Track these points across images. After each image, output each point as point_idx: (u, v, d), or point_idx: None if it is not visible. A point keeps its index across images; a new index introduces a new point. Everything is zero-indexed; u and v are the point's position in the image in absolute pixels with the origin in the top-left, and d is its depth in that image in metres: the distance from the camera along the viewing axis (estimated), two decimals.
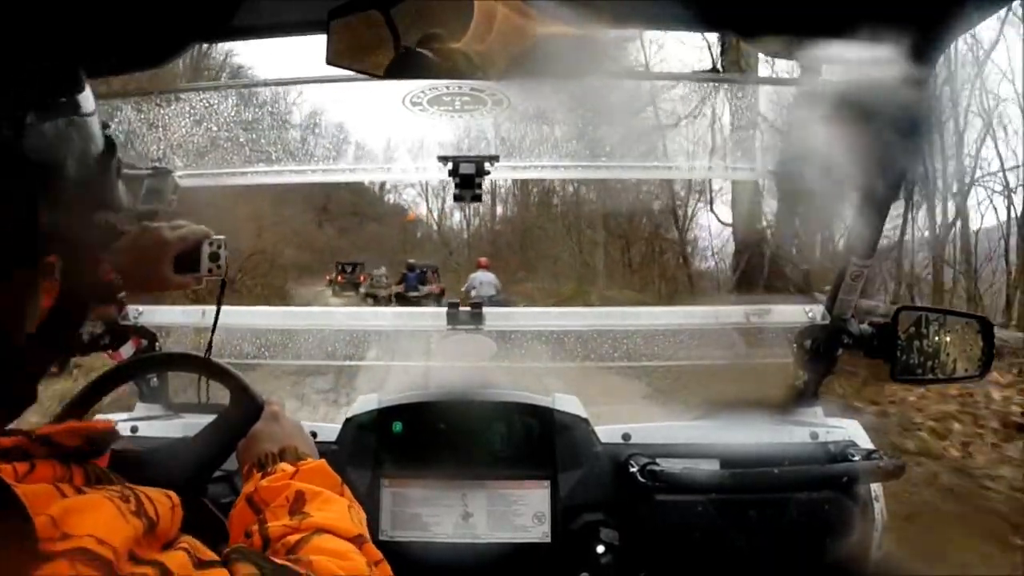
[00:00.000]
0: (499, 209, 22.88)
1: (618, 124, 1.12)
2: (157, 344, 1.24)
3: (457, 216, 24.07)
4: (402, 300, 14.72)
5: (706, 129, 1.16)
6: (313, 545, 0.54)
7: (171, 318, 1.27)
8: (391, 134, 1.09)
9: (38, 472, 0.43)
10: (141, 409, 1.23)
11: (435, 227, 24.28)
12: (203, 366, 0.92)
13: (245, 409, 0.81)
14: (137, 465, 0.76)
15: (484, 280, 10.50)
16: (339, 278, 18.02)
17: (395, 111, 1.02)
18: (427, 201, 24.08)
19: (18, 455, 0.43)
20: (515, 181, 17.62)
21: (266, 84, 1.02)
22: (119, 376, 0.97)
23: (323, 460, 0.69)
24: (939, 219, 9.59)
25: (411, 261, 15.67)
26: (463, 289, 11.29)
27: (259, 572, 0.44)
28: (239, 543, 0.54)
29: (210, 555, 0.44)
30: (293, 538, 0.55)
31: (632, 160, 1.25)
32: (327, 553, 0.53)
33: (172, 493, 0.47)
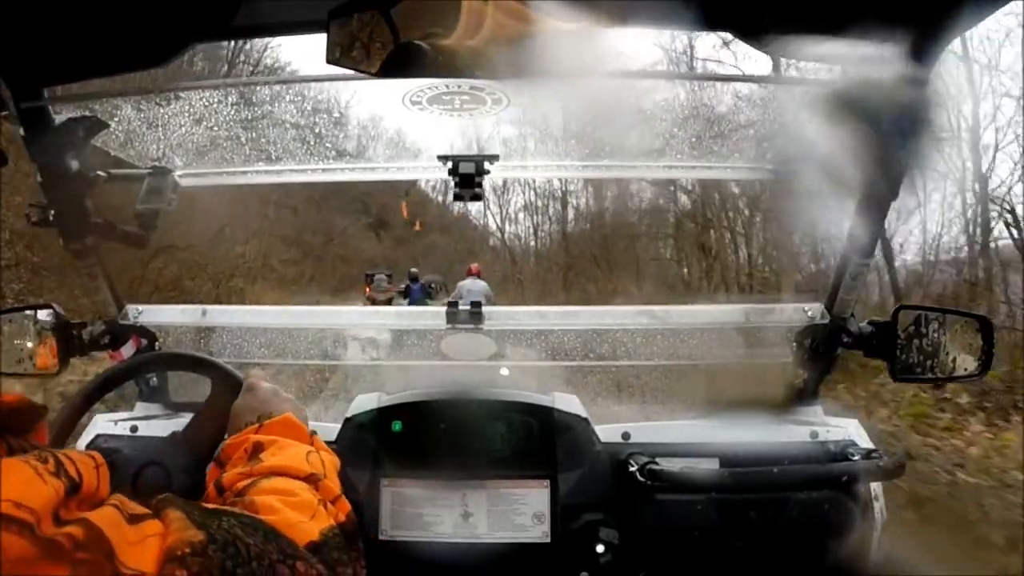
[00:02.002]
0: (570, 213, 19.98)
1: (618, 123, 1.12)
2: (157, 344, 1.24)
3: (521, 226, 21.78)
4: None
5: (706, 129, 1.15)
6: (261, 487, 0.54)
7: (171, 318, 1.27)
8: (391, 133, 1.09)
9: None
10: (141, 409, 1.23)
11: (499, 234, 22.04)
12: (174, 360, 0.93)
13: (226, 390, 0.81)
14: (136, 464, 0.76)
15: (474, 289, 9.59)
16: (366, 289, 16.83)
17: (395, 110, 1.02)
18: (489, 208, 21.80)
19: None
20: (586, 182, 16.30)
21: (266, 83, 1.02)
22: (108, 382, 0.96)
23: (289, 414, 0.69)
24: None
25: (414, 270, 14.03)
26: (449, 299, 10.83)
27: (185, 516, 0.44)
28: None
29: (140, 509, 0.43)
30: (243, 483, 0.55)
31: (632, 160, 1.25)
32: (274, 492, 0.53)
33: (96, 454, 0.46)
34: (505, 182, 19.48)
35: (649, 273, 14.20)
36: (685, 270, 14.34)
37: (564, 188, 19.22)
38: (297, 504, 0.52)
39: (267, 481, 0.55)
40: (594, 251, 16.31)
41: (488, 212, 21.48)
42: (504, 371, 1.32)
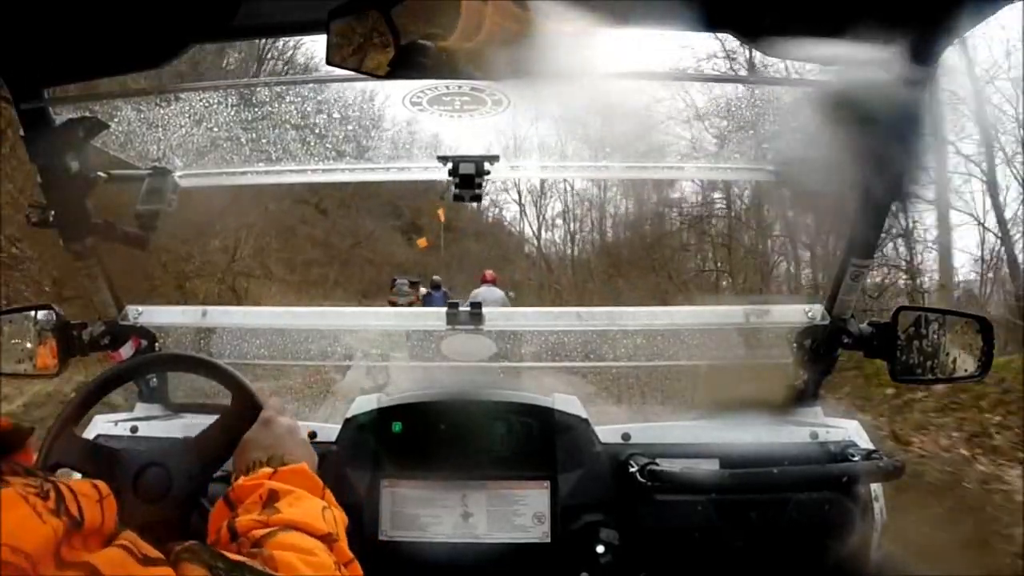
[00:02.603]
0: (608, 220, 18.87)
1: (618, 123, 1.12)
2: (157, 344, 1.24)
3: (558, 233, 20.54)
4: None
5: (706, 129, 1.15)
6: (279, 540, 0.53)
7: (171, 318, 1.27)
8: (391, 134, 1.09)
9: None
10: (141, 409, 1.23)
11: (535, 241, 20.63)
12: (206, 367, 0.92)
13: (245, 411, 0.81)
14: (137, 464, 0.76)
15: (488, 297, 8.48)
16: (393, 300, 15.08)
17: (396, 111, 1.02)
18: (525, 213, 20.81)
19: None
20: (626, 188, 15.94)
21: (266, 84, 1.02)
22: (125, 375, 0.97)
23: (305, 464, 0.68)
24: None
25: (437, 278, 12.86)
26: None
27: (209, 573, 0.42)
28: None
29: (154, 552, 0.41)
30: (259, 532, 0.54)
31: (632, 160, 1.25)
32: (292, 549, 0.52)
33: (100, 484, 0.43)
34: (543, 186, 18.98)
35: (695, 283, 13.39)
36: (728, 279, 13.50)
37: (603, 195, 18.42)
38: (316, 565, 0.51)
39: (285, 534, 0.54)
40: (634, 259, 15.27)
41: (524, 218, 20.62)
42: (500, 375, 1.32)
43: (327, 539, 0.56)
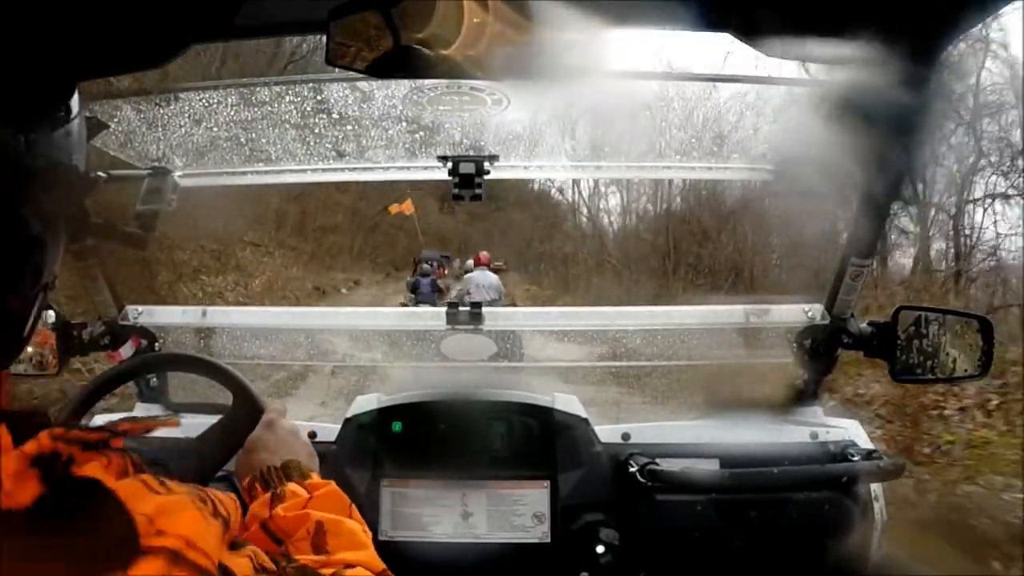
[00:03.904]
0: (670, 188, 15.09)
1: (618, 123, 1.12)
2: (157, 344, 1.24)
3: (613, 200, 17.28)
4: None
5: (706, 129, 1.15)
6: None
7: (170, 318, 1.27)
8: (391, 134, 1.09)
9: (113, 463, 0.40)
10: (141, 409, 1.23)
11: (585, 213, 17.88)
12: (207, 368, 0.93)
13: (247, 413, 0.81)
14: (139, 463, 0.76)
15: (483, 283, 7.75)
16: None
17: (396, 110, 1.02)
18: (576, 186, 17.99)
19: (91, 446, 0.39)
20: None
21: (266, 84, 1.02)
22: (126, 374, 0.97)
23: (332, 482, 0.68)
24: None
25: (424, 265, 10.93)
26: (454, 294, 8.86)
27: None
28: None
29: (270, 564, 0.44)
30: (326, 572, 0.53)
31: (632, 159, 1.25)
32: None
33: (232, 495, 0.46)
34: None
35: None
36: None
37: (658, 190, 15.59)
38: None
39: (349, 572, 0.54)
40: (700, 229, 12.47)
41: (575, 186, 17.66)
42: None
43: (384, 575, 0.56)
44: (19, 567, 0.30)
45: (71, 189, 0.45)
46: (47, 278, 0.43)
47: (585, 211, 17.90)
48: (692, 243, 12.99)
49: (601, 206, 17.45)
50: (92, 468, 0.37)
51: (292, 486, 0.66)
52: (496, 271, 8.96)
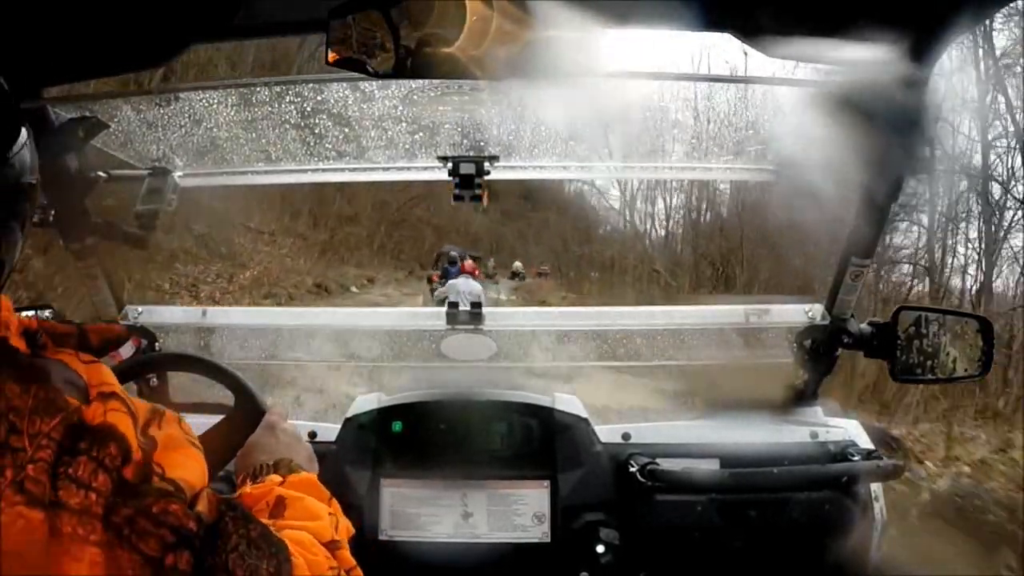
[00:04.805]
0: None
1: (618, 124, 1.12)
2: (157, 344, 1.24)
3: (660, 204, 16.23)
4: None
5: (706, 129, 1.15)
6: (284, 535, 0.53)
7: (171, 318, 1.27)
8: (391, 134, 1.09)
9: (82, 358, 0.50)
10: None
11: (625, 215, 16.75)
12: (209, 369, 0.93)
13: (248, 414, 0.81)
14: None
15: (465, 290, 7.36)
16: (434, 277, 11.63)
17: (396, 111, 1.02)
18: (618, 182, 16.12)
19: None
20: None
21: (266, 84, 1.02)
22: (127, 374, 0.98)
23: (314, 475, 0.68)
24: None
25: (452, 253, 10.39)
26: (434, 300, 8.52)
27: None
28: None
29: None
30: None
31: (633, 160, 1.25)
32: (298, 544, 0.53)
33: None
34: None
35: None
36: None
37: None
38: (314, 564, 0.53)
39: (290, 532, 0.55)
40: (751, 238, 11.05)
41: (620, 187, 16.40)
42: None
43: (331, 545, 0.57)
44: (3, 383, 0.41)
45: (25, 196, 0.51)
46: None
47: (627, 214, 16.74)
48: (740, 253, 12.03)
49: (645, 210, 16.48)
50: (63, 355, 0.47)
51: (273, 476, 0.67)
52: (540, 275, 8.68)
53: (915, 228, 9.00)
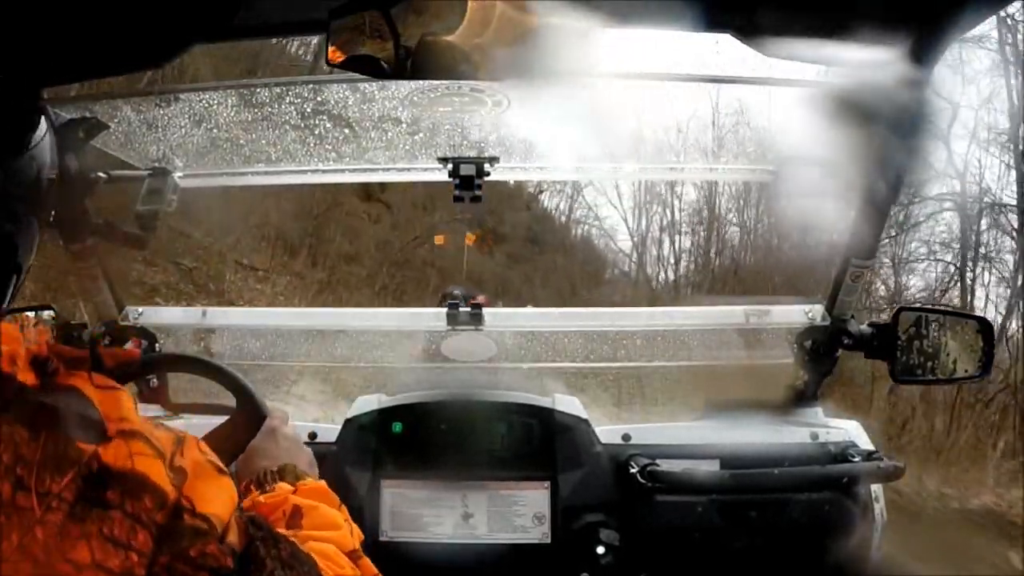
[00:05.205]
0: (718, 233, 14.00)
1: (618, 124, 1.12)
2: (157, 345, 1.24)
3: (668, 246, 16.01)
4: None
5: (706, 129, 1.15)
6: (308, 547, 0.53)
7: (171, 319, 1.27)
8: (391, 135, 1.09)
9: (96, 381, 0.48)
10: (141, 409, 1.23)
11: (632, 257, 16.49)
12: (210, 370, 0.93)
13: (250, 417, 0.81)
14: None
15: None
16: None
17: (396, 112, 1.02)
18: (627, 224, 16.10)
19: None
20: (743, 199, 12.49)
21: (266, 85, 1.02)
22: (121, 376, 0.97)
23: (324, 482, 0.68)
24: None
25: (455, 291, 11.17)
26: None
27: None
28: None
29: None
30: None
31: (633, 160, 1.25)
32: (322, 556, 0.53)
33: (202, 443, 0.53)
34: (642, 191, 14.94)
35: None
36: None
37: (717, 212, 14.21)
38: None
39: (317, 544, 0.55)
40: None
41: (627, 225, 15.96)
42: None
43: (353, 555, 0.57)
44: (11, 428, 0.38)
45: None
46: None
47: (631, 256, 16.10)
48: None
49: (656, 254, 15.73)
50: (76, 380, 0.44)
51: (282, 484, 0.67)
52: None
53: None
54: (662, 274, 15.58)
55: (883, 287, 9.05)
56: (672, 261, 15.39)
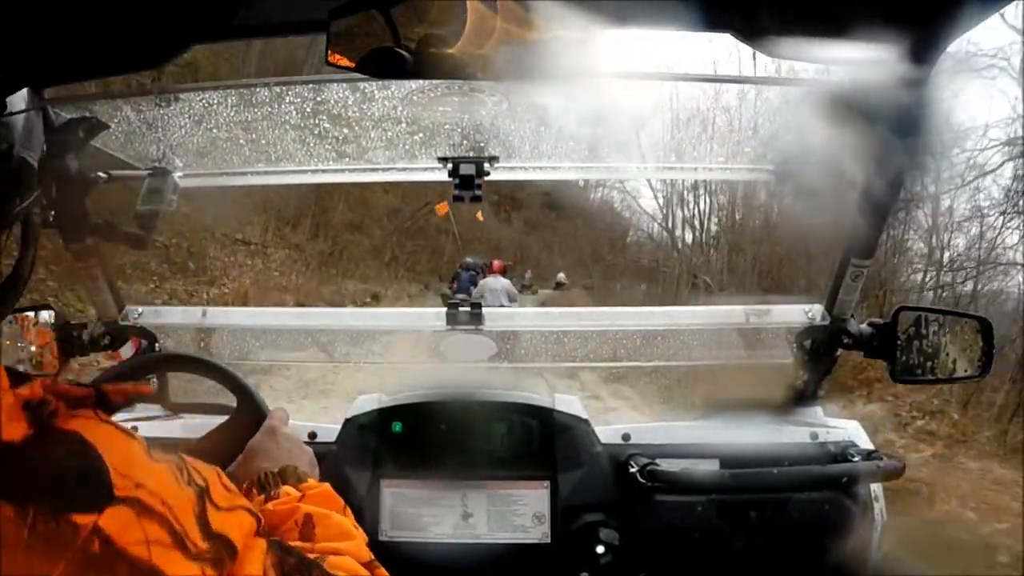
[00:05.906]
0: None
1: (618, 124, 1.12)
2: (157, 345, 1.24)
3: (695, 204, 14.47)
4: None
5: (706, 129, 1.15)
6: (332, 563, 0.53)
7: (171, 319, 1.27)
8: (391, 135, 1.09)
9: (99, 420, 0.42)
10: (141, 409, 1.23)
11: (657, 219, 15.26)
12: (209, 369, 0.93)
13: (250, 417, 0.81)
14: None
15: (496, 287, 8.00)
16: (454, 285, 11.14)
17: (396, 111, 1.02)
18: (651, 184, 14.47)
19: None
20: None
21: (266, 84, 1.02)
22: (129, 374, 0.98)
23: (328, 485, 0.68)
24: None
25: (468, 260, 10.66)
26: (465, 299, 8.60)
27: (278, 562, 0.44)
28: None
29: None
30: (310, 556, 0.54)
31: (632, 160, 1.25)
32: (343, 570, 0.53)
33: (217, 468, 0.48)
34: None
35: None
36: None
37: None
38: None
39: (335, 559, 0.54)
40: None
41: (651, 187, 14.68)
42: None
43: (370, 566, 0.56)
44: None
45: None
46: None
47: (661, 218, 14.99)
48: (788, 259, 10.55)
49: (681, 215, 14.64)
50: (78, 422, 0.38)
51: (286, 488, 0.66)
52: (586, 288, 8.71)
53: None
54: (689, 235, 14.49)
55: (922, 244, 8.76)
56: (698, 222, 14.19)
